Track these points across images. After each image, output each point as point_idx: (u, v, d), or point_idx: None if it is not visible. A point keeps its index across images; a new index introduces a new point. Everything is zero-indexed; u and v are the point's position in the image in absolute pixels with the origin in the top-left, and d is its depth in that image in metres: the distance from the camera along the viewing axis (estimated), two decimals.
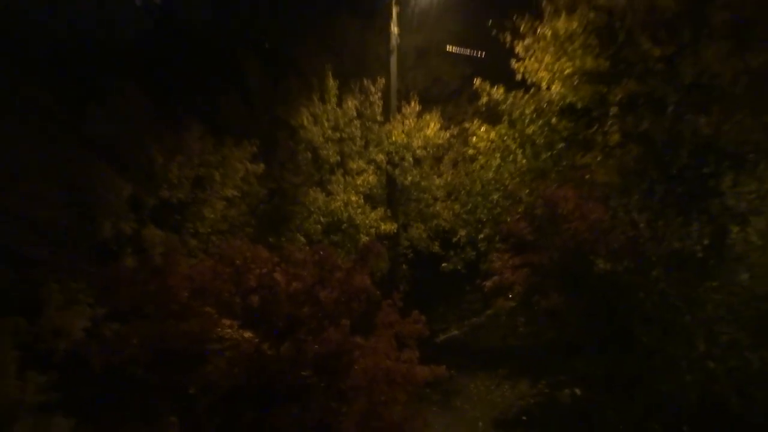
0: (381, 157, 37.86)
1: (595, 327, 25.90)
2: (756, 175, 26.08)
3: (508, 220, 32.85)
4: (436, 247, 37.54)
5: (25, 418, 24.58)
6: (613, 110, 31.50)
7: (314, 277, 25.16)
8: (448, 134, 38.31)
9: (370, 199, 37.43)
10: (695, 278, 24.56)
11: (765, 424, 23.09)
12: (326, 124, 37.14)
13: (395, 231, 36.98)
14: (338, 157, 37.45)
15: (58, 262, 27.50)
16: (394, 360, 24.80)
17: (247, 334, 23.43)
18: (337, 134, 37.57)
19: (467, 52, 41.05)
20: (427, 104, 38.29)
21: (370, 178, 37.53)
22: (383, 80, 37.45)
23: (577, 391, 26.18)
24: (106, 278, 26.35)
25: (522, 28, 32.99)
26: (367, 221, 36.20)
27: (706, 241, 25.28)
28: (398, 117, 37.46)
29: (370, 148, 37.88)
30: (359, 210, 36.36)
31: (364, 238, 34.82)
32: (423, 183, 38.03)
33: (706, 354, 23.39)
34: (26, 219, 27.82)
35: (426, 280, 37.12)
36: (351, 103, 36.76)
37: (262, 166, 34.46)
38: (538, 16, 33.59)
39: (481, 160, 34.75)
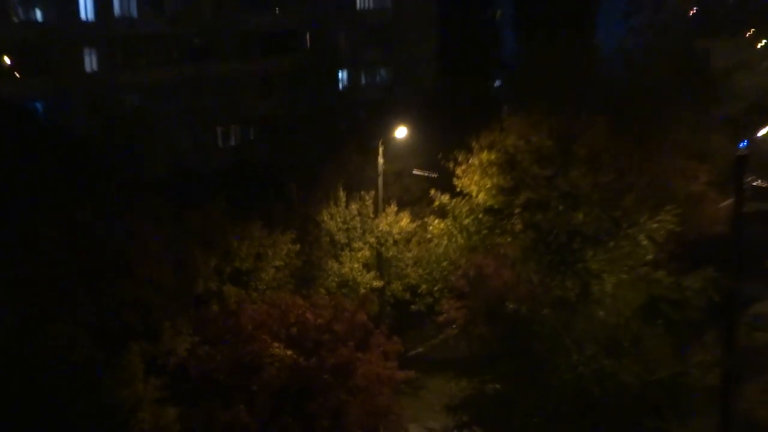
0: (373, 240, 37.72)
1: (508, 345, 25.98)
2: (607, 249, 26.78)
3: (453, 279, 33.51)
4: (408, 296, 37.48)
5: (147, 409, 23.75)
6: (517, 210, 32.46)
7: (331, 315, 26.11)
8: (414, 225, 38.12)
9: (366, 266, 37.17)
10: (570, 314, 25.07)
11: (614, 404, 23.33)
12: (338, 219, 37.35)
13: (382, 286, 36.87)
14: (346, 240, 37.47)
15: (170, 307, 26.94)
16: (382, 368, 25.32)
17: (289, 352, 24.15)
18: (345, 225, 37.49)
19: (426, 173, 41.44)
20: (401, 206, 38.58)
21: (366, 253, 37.39)
22: (373, 192, 37.88)
23: (498, 386, 26.11)
24: (200, 318, 26.89)
25: (459, 159, 34.15)
26: (364, 280, 36.14)
27: (576, 291, 26.38)
28: (383, 214, 37.84)
29: (366, 234, 37.71)
30: (359, 273, 36.21)
31: (363, 291, 34.75)
32: (399, 256, 37.92)
33: (577, 362, 23.75)
34: (151, 281, 26.76)
35: (401, 317, 37.08)
36: (353, 206, 37.24)
37: (298, 246, 33.95)
38: (469, 151, 34.87)
39: (435, 241, 35.23)
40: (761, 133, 57.73)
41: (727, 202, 36.21)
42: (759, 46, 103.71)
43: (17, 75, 52.45)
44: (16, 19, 52.91)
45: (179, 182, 39.04)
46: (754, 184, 45.96)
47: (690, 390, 24.04)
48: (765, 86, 76.40)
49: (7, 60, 52.05)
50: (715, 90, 60.12)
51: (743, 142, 28.60)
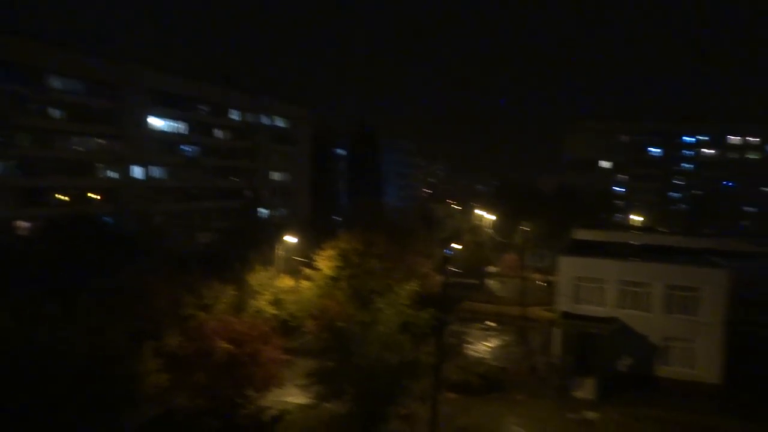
0: (273, 290, 37.11)
1: (336, 343, 26.16)
2: (386, 297, 28.81)
3: (312, 310, 36.05)
4: (289, 318, 36.92)
5: (152, 375, 24.75)
6: (344, 277, 36.24)
7: (250, 327, 27.73)
8: (294, 283, 38.79)
9: (270, 303, 36.64)
10: (367, 328, 26.17)
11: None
12: (256, 280, 37.09)
13: (277, 313, 36.30)
14: (260, 290, 36.64)
15: (168, 321, 28.57)
16: (275, 354, 27.20)
17: (228, 346, 25.98)
18: (260, 282, 37.22)
19: (303, 259, 43.11)
20: (289, 274, 39.99)
21: (269, 296, 36.83)
22: (275, 266, 39.83)
23: (331, 363, 25.48)
24: (184, 328, 27.73)
25: (318, 253, 38.16)
26: (268, 310, 35.96)
27: (370, 318, 27.30)
28: (280, 278, 38.64)
29: (270, 287, 37.21)
30: (266, 306, 36.05)
31: (267, 315, 34.92)
32: (286, 298, 38.03)
33: (369, 352, 24.79)
34: (160, 308, 29.17)
35: (287, 328, 36.29)
36: (265, 273, 37.89)
37: (236, 292, 34.48)
38: (323, 249, 39.68)
39: (304, 291, 38.15)
40: (455, 246, 67.23)
41: (440, 277, 39.21)
42: (456, 207, 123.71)
43: (98, 202, 62.29)
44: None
45: (179, 259, 39.32)
46: (453, 269, 52.44)
47: (422, 366, 25.61)
48: (457, 225, 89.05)
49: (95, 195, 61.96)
50: (435, 227, 73.07)
51: (446, 251, 33.86)
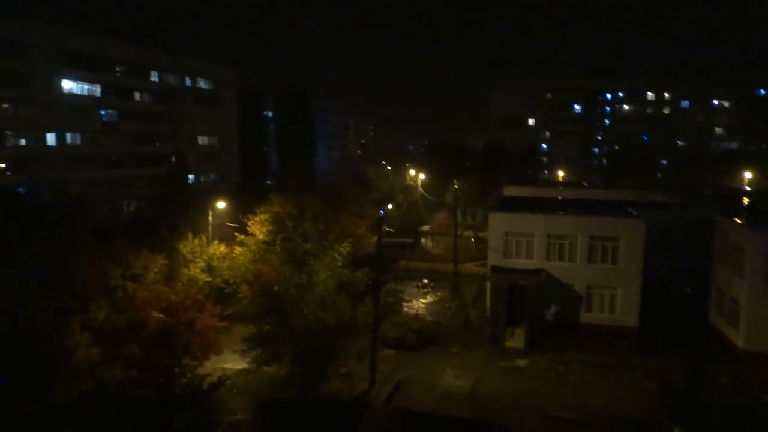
0: (206, 257, 37.27)
1: (273, 307, 26.53)
2: (321, 260, 28.88)
3: (247, 276, 36.49)
4: (224, 285, 37.63)
5: (81, 349, 25.12)
6: (278, 242, 36.47)
7: (184, 296, 27.99)
8: (228, 250, 39.06)
9: (203, 271, 36.77)
10: (303, 291, 26.44)
11: (323, 332, 24.75)
12: (188, 247, 36.99)
13: (211, 281, 36.85)
14: (192, 258, 36.71)
15: (95, 294, 27.85)
16: (210, 321, 27.34)
17: (161, 316, 26.28)
18: (191, 251, 37.08)
19: (235, 225, 42.94)
20: (221, 240, 40.17)
21: (203, 264, 37.12)
22: (207, 234, 39.65)
23: (268, 327, 25.95)
24: (112, 300, 27.90)
25: (250, 218, 38.28)
26: (201, 278, 36.00)
27: (306, 280, 27.31)
28: (212, 245, 38.98)
29: (202, 255, 37.33)
30: (199, 275, 36.15)
31: (200, 283, 35.62)
32: (220, 265, 38.11)
33: (307, 314, 25.35)
34: (84, 281, 28.42)
35: (221, 295, 36.56)
36: (196, 241, 37.77)
37: (166, 261, 34.02)
38: (255, 214, 39.51)
39: (238, 257, 38.31)
40: (389, 206, 68.78)
41: (374, 238, 39.71)
42: (389, 168, 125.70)
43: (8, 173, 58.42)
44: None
45: (102, 230, 38.38)
46: (387, 229, 52.71)
47: (360, 325, 26.75)
48: (390, 186, 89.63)
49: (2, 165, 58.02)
50: (368, 188, 73.81)
51: (381, 211, 34.40)
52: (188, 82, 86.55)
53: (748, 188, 64.55)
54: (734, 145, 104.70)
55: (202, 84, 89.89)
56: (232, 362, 29.96)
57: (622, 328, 35.35)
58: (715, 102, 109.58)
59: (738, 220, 35.65)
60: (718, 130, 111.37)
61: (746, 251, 31.91)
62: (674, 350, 32.51)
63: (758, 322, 31.39)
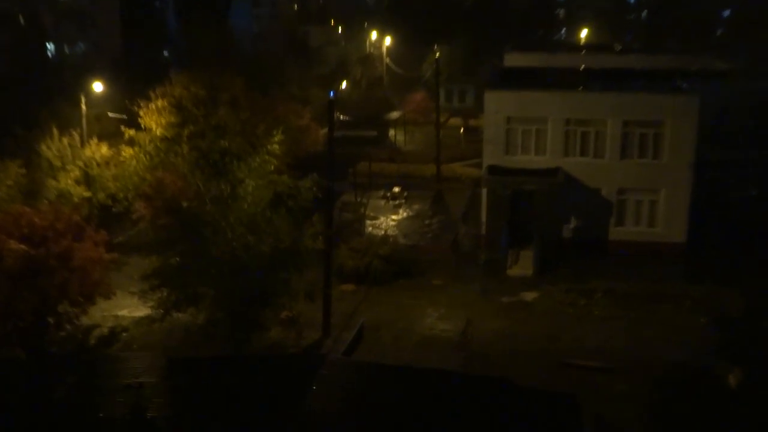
0: (81, 163, 38.56)
1: (183, 230, 27.13)
2: (247, 163, 29.13)
3: (142, 188, 36.53)
4: (110, 202, 38.70)
5: None
6: (184, 138, 36.60)
7: (53, 218, 27.93)
8: (111, 152, 39.68)
9: (78, 182, 38.06)
10: (225, 207, 27.03)
11: (256, 265, 25.62)
12: (54, 149, 38.10)
13: (90, 196, 38.08)
14: (61, 164, 37.99)
15: None
16: (94, 252, 27.64)
17: (22, 246, 26.05)
18: (59, 154, 38.67)
19: (119, 116, 43.55)
20: (102, 139, 40.47)
21: (77, 173, 38.38)
22: (80, 129, 40.15)
23: (178, 259, 26.58)
24: None
25: (142, 105, 37.89)
26: (76, 192, 37.38)
27: (228, 191, 27.81)
28: (88, 145, 39.78)
29: (75, 160, 38.57)
30: (72, 187, 37.62)
31: (76, 200, 36.73)
32: (102, 174, 39.31)
33: (231, 239, 25.92)
34: None
35: (107, 216, 38.23)
36: (65, 140, 38.83)
37: (24, 170, 35.37)
38: (149, 99, 39.15)
39: (127, 162, 38.35)
40: (343, 86, 69.11)
41: (323, 130, 41.02)
42: (340, 30, 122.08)
43: None
44: None
45: None
46: (342, 118, 53.62)
47: (305, 252, 26.98)
48: (342, 56, 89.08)
49: None
50: (312, 58, 72.13)
51: (331, 92, 34.02)
52: None
53: None
54: None
55: None
56: (128, 308, 30.61)
57: (665, 246, 36.48)
58: None
59: None
60: None
61: None
62: (732, 275, 33.67)
63: None
